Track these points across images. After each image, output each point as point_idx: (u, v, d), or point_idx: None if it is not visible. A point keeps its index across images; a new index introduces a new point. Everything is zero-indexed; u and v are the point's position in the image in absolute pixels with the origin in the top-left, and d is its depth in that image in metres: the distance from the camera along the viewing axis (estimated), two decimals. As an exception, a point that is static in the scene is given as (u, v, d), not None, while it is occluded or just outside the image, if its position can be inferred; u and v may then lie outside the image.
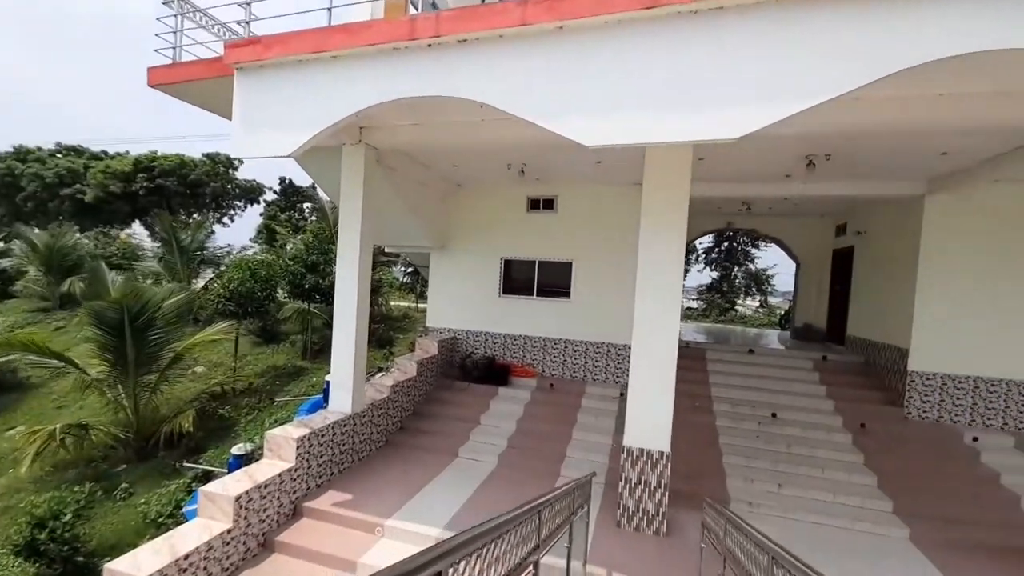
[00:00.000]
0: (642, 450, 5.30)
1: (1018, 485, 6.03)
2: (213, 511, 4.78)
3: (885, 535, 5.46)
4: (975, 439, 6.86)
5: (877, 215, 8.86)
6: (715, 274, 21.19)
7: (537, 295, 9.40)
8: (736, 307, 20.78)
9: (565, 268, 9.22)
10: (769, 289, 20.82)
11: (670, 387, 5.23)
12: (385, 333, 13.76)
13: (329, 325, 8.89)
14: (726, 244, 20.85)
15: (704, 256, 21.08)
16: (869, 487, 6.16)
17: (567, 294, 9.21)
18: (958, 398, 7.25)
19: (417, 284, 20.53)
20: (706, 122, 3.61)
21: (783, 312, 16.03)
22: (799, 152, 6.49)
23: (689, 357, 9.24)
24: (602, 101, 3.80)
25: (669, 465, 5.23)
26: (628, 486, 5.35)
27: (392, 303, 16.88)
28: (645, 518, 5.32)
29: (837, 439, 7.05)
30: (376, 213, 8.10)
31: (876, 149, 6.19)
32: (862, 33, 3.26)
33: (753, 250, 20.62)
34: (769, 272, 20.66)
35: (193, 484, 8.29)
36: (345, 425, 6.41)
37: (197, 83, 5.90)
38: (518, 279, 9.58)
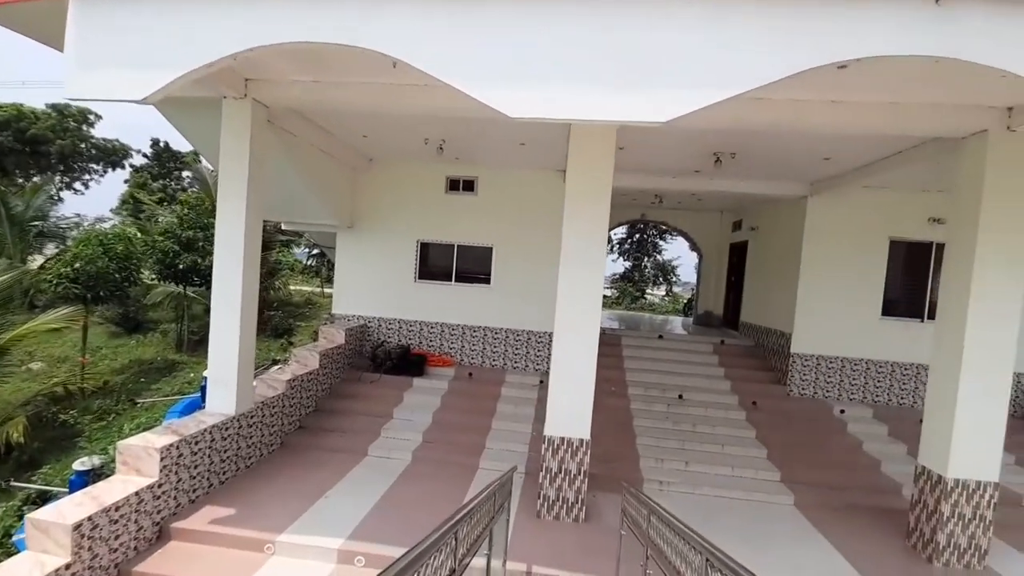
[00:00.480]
0: (563, 439, 5.18)
1: (878, 451, 6.96)
2: (46, 543, 3.75)
3: (776, 503, 5.96)
4: (842, 411, 7.82)
5: (767, 213, 9.71)
6: (627, 264, 22.33)
7: (456, 281, 8.96)
8: (645, 295, 22.13)
9: (485, 253, 8.88)
10: (674, 279, 22.46)
11: (591, 375, 5.15)
12: (283, 321, 12.38)
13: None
14: (638, 236, 22.01)
15: (618, 246, 22.08)
16: (760, 459, 6.71)
17: (487, 280, 8.89)
18: (828, 376, 8.22)
19: (323, 267, 18.90)
20: (636, 103, 3.43)
21: (687, 300, 17.29)
22: (709, 149, 6.77)
23: (606, 344, 9.35)
24: (529, 71, 3.46)
25: (589, 452, 5.17)
26: (548, 476, 5.21)
27: (293, 287, 15.30)
28: (565, 506, 5.23)
29: (733, 416, 7.62)
30: (269, 183, 7.06)
31: (773, 149, 6.63)
32: (786, 30, 3.26)
33: (661, 242, 22.03)
34: (675, 263, 22.29)
35: (24, 508, 6.72)
36: (227, 428, 5.50)
37: (27, 3, 4.51)
38: (436, 264, 9.06)
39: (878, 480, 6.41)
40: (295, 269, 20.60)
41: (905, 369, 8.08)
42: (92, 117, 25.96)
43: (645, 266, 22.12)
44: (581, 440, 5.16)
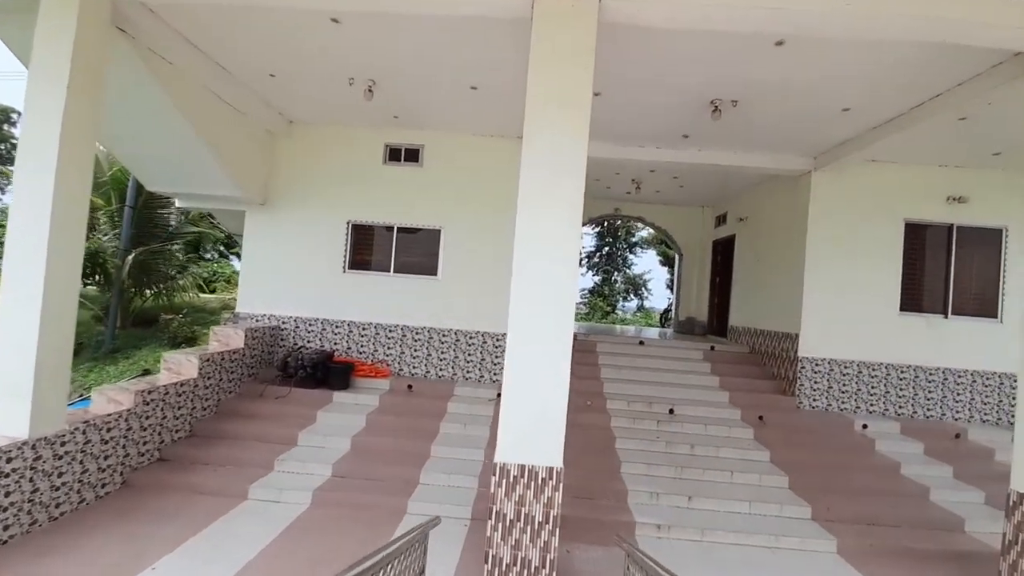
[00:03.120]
0: (523, 468, 3.46)
1: (920, 475, 5.55)
2: None
3: (814, 550, 4.38)
4: (865, 426, 6.43)
5: (759, 199, 8.56)
6: (597, 278, 21.11)
7: (395, 271, 7.23)
8: (616, 311, 20.89)
9: (432, 238, 7.24)
10: (645, 294, 21.39)
11: (564, 380, 3.52)
12: (183, 327, 10.09)
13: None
14: (607, 249, 20.92)
15: (587, 260, 20.89)
16: (781, 490, 5.17)
17: (433, 271, 7.21)
18: (844, 384, 6.87)
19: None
20: None
21: (664, 310, 16.06)
22: (704, 99, 5.48)
23: (579, 350, 7.80)
24: None
25: (561, 487, 3.47)
26: (501, 525, 3.45)
27: (224, 293, 13.06)
28: (526, 572, 3.46)
29: (739, 435, 6.10)
30: (130, 129, 5.30)
31: (782, 98, 5.40)
32: None
33: (631, 256, 20.99)
34: (646, 277, 21.23)
35: None
36: (14, 458, 3.52)
37: None
38: (370, 251, 7.32)
39: (931, 513, 4.96)
40: (232, 281, 18.24)
41: (931, 375, 6.83)
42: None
43: (615, 280, 20.98)
44: (550, 469, 3.47)
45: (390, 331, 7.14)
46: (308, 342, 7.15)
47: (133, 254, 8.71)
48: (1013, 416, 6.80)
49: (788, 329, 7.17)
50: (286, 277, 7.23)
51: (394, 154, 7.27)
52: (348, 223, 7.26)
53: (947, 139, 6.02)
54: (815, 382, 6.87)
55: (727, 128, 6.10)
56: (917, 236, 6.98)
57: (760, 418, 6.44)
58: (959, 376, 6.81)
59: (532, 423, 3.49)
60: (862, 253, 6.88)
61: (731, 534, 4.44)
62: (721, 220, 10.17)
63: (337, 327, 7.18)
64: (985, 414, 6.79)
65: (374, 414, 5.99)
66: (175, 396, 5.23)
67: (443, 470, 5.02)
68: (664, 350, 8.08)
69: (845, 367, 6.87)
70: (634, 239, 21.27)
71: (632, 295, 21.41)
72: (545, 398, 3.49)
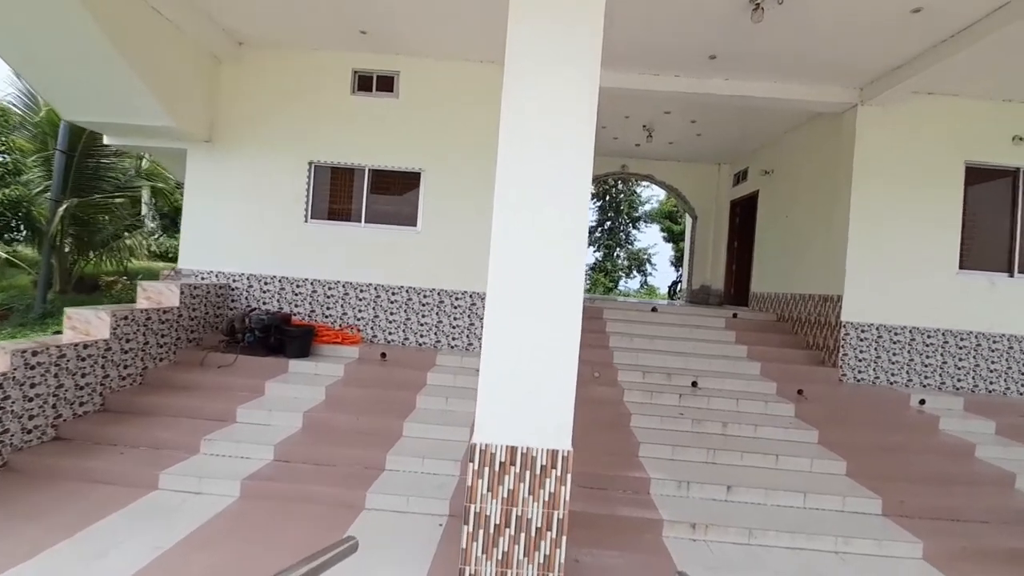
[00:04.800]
0: (513, 451, 2.41)
1: (999, 460, 4.56)
2: None
3: (893, 556, 3.38)
4: (922, 402, 5.44)
5: (790, 148, 7.45)
6: (599, 254, 20.02)
7: (367, 222, 6.11)
8: (618, 287, 19.85)
9: (410, 181, 6.10)
10: (649, 270, 20.33)
11: (574, 322, 2.48)
12: (129, 291, 8.80)
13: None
14: (609, 224, 19.80)
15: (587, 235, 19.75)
16: (840, 478, 4.16)
17: (412, 221, 6.09)
18: (895, 353, 5.87)
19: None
20: None
21: (672, 283, 15.04)
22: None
23: (584, 317, 6.82)
24: None
25: (569, 479, 2.42)
26: (484, 531, 2.41)
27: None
28: (519, 596, 2.43)
29: (778, 411, 5.09)
30: (40, 45, 4.19)
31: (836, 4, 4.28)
32: None
33: (634, 231, 19.89)
34: (650, 252, 20.14)
35: None
36: None
37: None
38: (337, 197, 6.18)
39: (1021, 503, 3.98)
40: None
41: (994, 342, 5.83)
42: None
43: (618, 256, 19.92)
44: (553, 454, 2.41)
45: (361, 291, 6.04)
46: (263, 304, 6.05)
47: (64, 205, 7.52)
48: None
49: (828, 291, 6.13)
50: (237, 228, 6.09)
51: (364, 83, 6.08)
52: (310, 164, 6.10)
53: (1018, 63, 4.93)
54: (860, 351, 5.86)
55: (764, 44, 4.98)
56: (979, 182, 5.91)
57: (799, 392, 5.44)
58: (1028, 344, 5.82)
59: (528, 389, 2.43)
60: (916, 202, 5.82)
61: (785, 535, 3.43)
62: (741, 177, 9.06)
63: (299, 287, 6.07)
64: (1059, 388, 5.82)
65: (336, 386, 4.92)
66: (75, 360, 4.13)
67: (416, 453, 3.97)
68: (681, 317, 7.04)
69: (896, 333, 5.85)
70: (637, 213, 20.16)
71: (635, 271, 20.37)
72: (548, 352, 2.44)
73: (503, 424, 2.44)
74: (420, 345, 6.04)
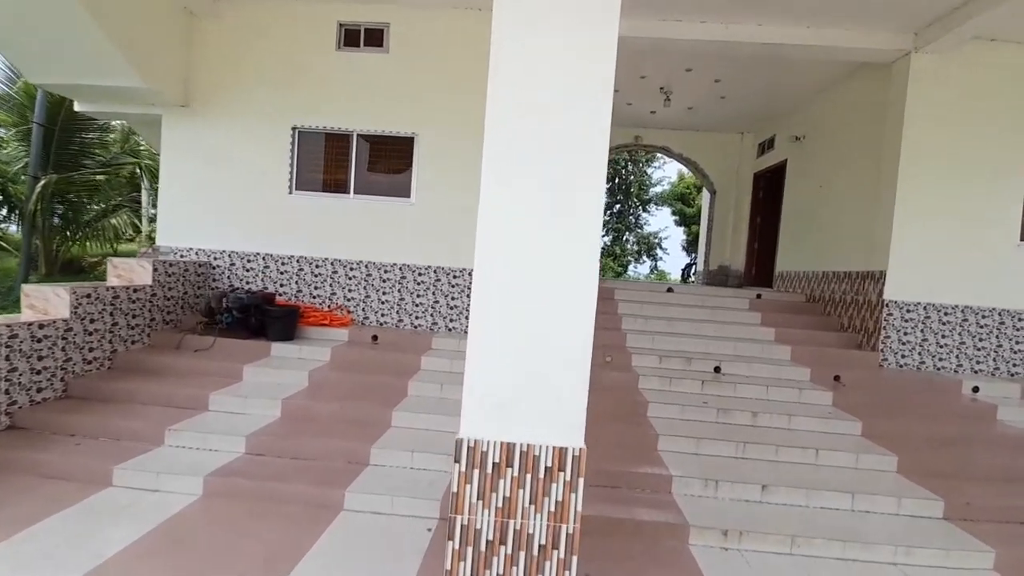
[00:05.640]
0: (511, 448, 1.91)
1: (1073, 451, 3.99)
2: None
3: (961, 567, 2.86)
4: (975, 389, 4.86)
5: (827, 109, 6.75)
6: (607, 238, 19.35)
7: (356, 193, 5.59)
8: (628, 272, 19.23)
9: (403, 148, 5.56)
10: (660, 254, 19.64)
11: (589, 310, 1.97)
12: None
13: None
14: (618, 207, 19.10)
15: (596, 218, 19.08)
16: (891, 475, 3.63)
17: (406, 191, 5.56)
18: (944, 335, 5.26)
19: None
20: None
21: (686, 265, 14.39)
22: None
23: (592, 297, 6.30)
24: None
25: (582, 484, 1.91)
26: (473, 548, 1.92)
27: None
28: (518, 628, 1.95)
29: (813, 400, 4.54)
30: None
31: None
32: None
33: (645, 214, 19.16)
34: (661, 236, 19.43)
35: None
36: None
37: None
38: (323, 166, 5.67)
39: (1112, 509, 3.41)
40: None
41: (1058, 323, 5.20)
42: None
43: (627, 240, 19.23)
44: (562, 453, 1.91)
45: (351, 269, 5.55)
46: (247, 283, 5.59)
47: (43, 181, 7.10)
48: None
49: (869, 267, 5.51)
50: (216, 201, 5.62)
51: (350, 37, 5.51)
52: (294, 130, 5.58)
53: None
54: (905, 333, 5.26)
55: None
56: (1049, 140, 5.21)
57: (836, 379, 4.88)
58: (1097, 325, 5.17)
59: (529, 372, 1.93)
60: (974, 164, 5.15)
61: (836, 544, 2.91)
62: (767, 146, 8.36)
63: (284, 264, 5.60)
64: None
65: (322, 371, 4.46)
66: (30, 342, 3.70)
67: (405, 446, 3.51)
68: (699, 298, 6.46)
69: (946, 313, 5.24)
70: (647, 196, 19.39)
71: (645, 256, 19.68)
72: (556, 327, 1.93)
73: (498, 415, 1.94)
74: (415, 327, 5.56)
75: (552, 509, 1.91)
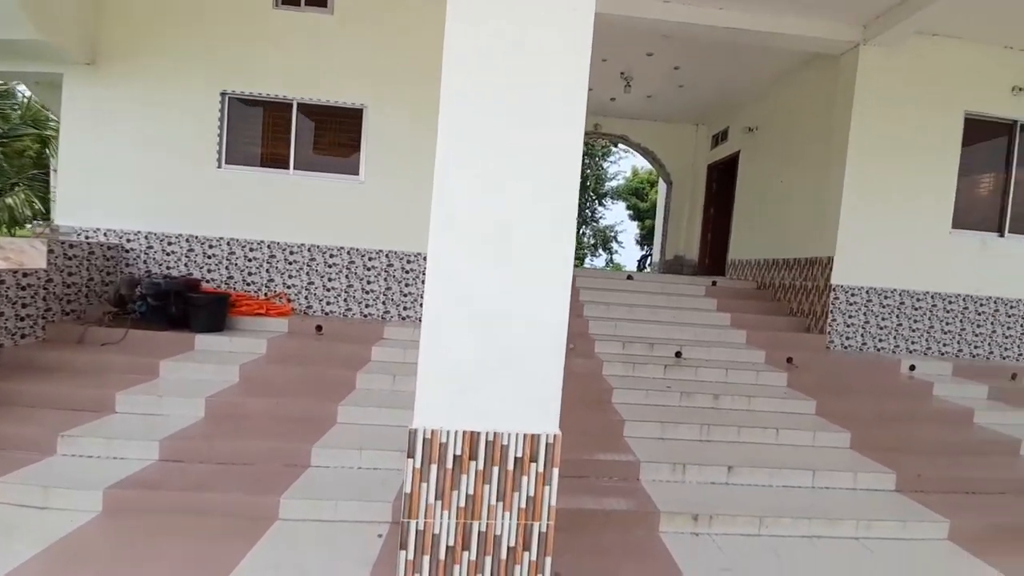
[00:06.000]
0: (475, 438, 1.65)
1: (997, 424, 4.25)
2: None
3: (917, 537, 2.92)
4: (912, 368, 5.11)
5: (780, 100, 6.92)
6: (563, 230, 19.38)
7: (297, 168, 5.08)
8: (584, 265, 19.39)
9: (351, 120, 5.11)
10: (615, 248, 19.95)
11: (565, 281, 1.74)
12: None
13: None
14: (574, 199, 19.17)
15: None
16: (846, 451, 3.70)
17: (354, 168, 5.12)
18: (884, 317, 5.51)
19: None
20: None
21: (641, 257, 14.61)
22: None
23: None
24: None
25: (556, 474, 1.69)
26: (430, 557, 1.65)
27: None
28: (483, 640, 1.70)
29: (770, 381, 4.60)
30: None
31: None
32: None
33: (600, 207, 19.37)
34: (616, 230, 19.72)
35: None
36: None
37: None
38: (260, 137, 5.11)
39: (1038, 475, 3.64)
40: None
41: (981, 305, 5.58)
42: None
43: (584, 233, 19.39)
44: (534, 440, 1.68)
45: (292, 253, 5.05)
46: (167, 268, 4.95)
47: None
48: None
49: (817, 253, 5.68)
50: (130, 175, 4.92)
51: (291, -5, 4.98)
52: (224, 96, 4.98)
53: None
54: (850, 316, 5.46)
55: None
56: (976, 134, 5.56)
57: (789, 360, 4.98)
58: (1011, 307, 5.61)
59: (500, 351, 1.68)
60: (914, 154, 5.39)
61: (802, 522, 2.88)
62: (720, 138, 8.53)
63: (213, 247, 5.00)
64: (1037, 351, 5.66)
65: (255, 365, 3.98)
66: None
67: (352, 443, 3.15)
68: (658, 285, 6.46)
69: (886, 297, 5.49)
70: (604, 190, 19.62)
71: (601, 249, 19.95)
72: (528, 301, 1.69)
73: (460, 400, 1.67)
74: (365, 316, 5.15)
75: (523, 506, 1.67)
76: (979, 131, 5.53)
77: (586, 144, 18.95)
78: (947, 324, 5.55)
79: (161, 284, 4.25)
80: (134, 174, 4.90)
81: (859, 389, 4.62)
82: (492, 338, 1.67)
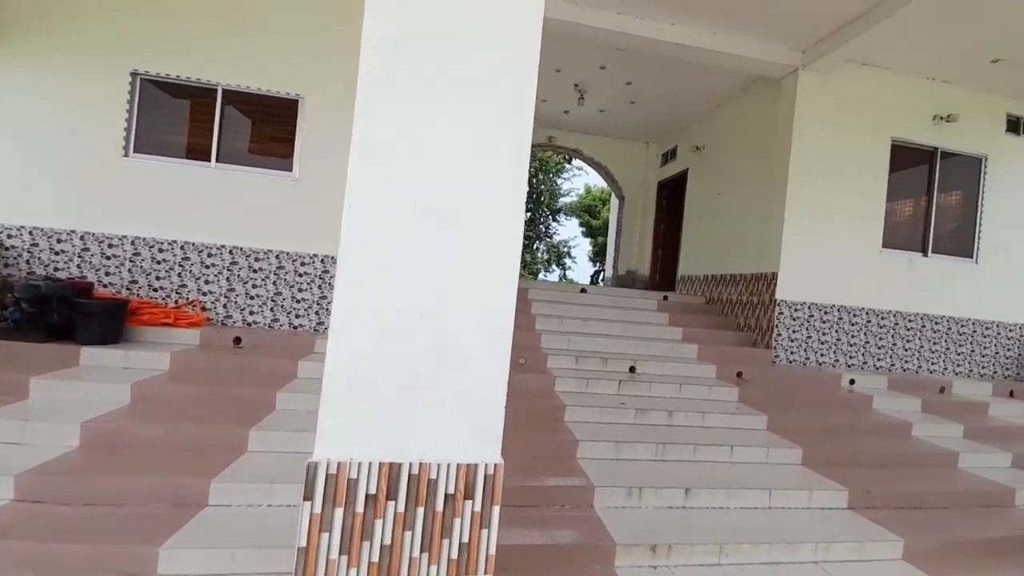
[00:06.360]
0: (395, 471, 1.31)
1: (934, 437, 4.39)
2: None
3: (874, 558, 2.82)
4: (852, 382, 5.24)
5: (726, 120, 7.14)
6: (517, 245, 19.35)
7: (220, 161, 4.55)
8: (538, 280, 19.39)
9: (285, 111, 4.66)
10: (568, 264, 20.11)
11: (511, 283, 1.46)
12: None
13: None
14: (529, 215, 19.22)
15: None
16: (799, 467, 3.63)
17: (287, 164, 4.66)
18: (824, 333, 5.66)
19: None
20: None
21: (594, 272, 14.71)
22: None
23: (504, 296, 5.86)
24: None
25: (496, 512, 1.38)
26: (334, 627, 1.28)
27: None
28: None
29: (722, 396, 4.52)
30: None
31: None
32: None
33: (554, 223, 19.52)
34: (570, 245, 19.91)
35: None
36: None
37: None
38: (176, 125, 4.55)
39: (970, 485, 3.71)
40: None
41: (909, 321, 5.87)
42: None
43: (537, 248, 19.42)
44: (471, 472, 1.35)
45: (209, 256, 4.46)
46: (55, 269, 4.22)
47: None
48: (986, 369, 6.38)
49: (762, 269, 5.79)
50: (13, 160, 4.20)
51: (220, -29, 4.52)
52: (134, 76, 4.39)
53: (946, 34, 4.91)
54: (793, 331, 5.57)
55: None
56: (903, 160, 5.92)
57: (739, 375, 4.96)
58: (936, 323, 5.94)
59: (429, 364, 1.36)
60: (849, 175, 5.65)
61: (762, 548, 2.71)
62: (670, 156, 8.72)
63: (112, 247, 4.33)
64: (958, 365, 6.01)
65: (153, 382, 3.39)
66: None
67: (261, 476, 2.67)
68: (612, 299, 6.36)
69: (826, 312, 5.65)
70: (557, 206, 19.84)
71: (555, 265, 20.03)
72: (464, 304, 1.40)
73: (376, 423, 1.33)
74: (295, 328, 4.63)
75: (454, 556, 1.34)
76: (905, 157, 5.90)
77: (540, 159, 19.14)
78: (880, 339, 5.78)
79: (41, 287, 3.56)
80: (19, 159, 4.18)
81: (805, 403, 4.64)
82: (420, 346, 1.35)
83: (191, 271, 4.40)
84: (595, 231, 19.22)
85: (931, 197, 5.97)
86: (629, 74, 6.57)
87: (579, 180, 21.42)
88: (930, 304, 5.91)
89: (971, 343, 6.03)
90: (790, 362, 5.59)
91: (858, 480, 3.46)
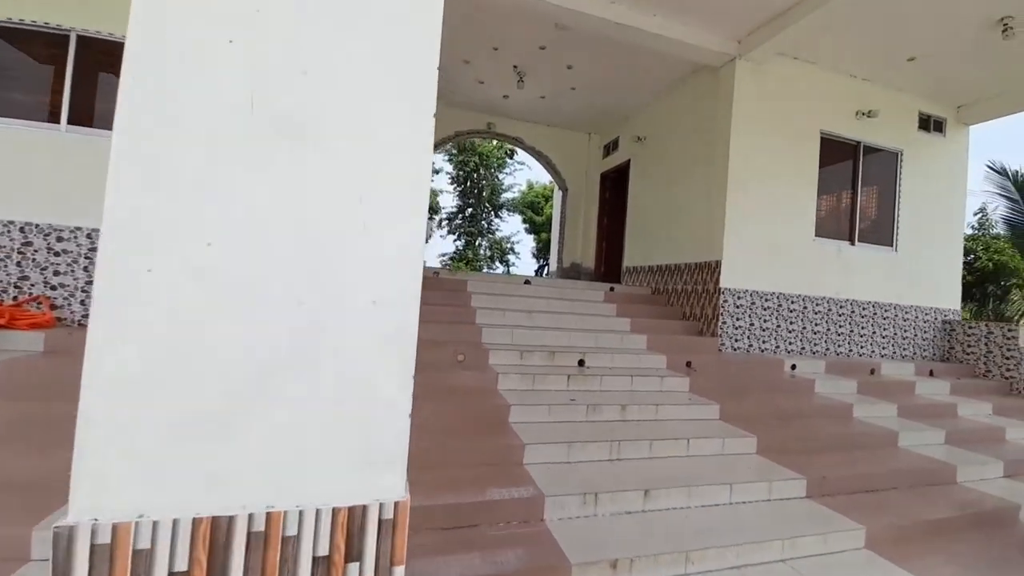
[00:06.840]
0: (229, 526, 0.78)
1: (875, 419, 4.44)
2: None
3: (840, 548, 2.63)
4: (794, 367, 5.27)
5: (666, 110, 7.07)
6: (460, 242, 18.75)
7: (72, 123, 3.66)
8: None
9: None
10: (512, 260, 19.78)
11: (417, 243, 0.95)
12: None
13: None
14: (471, 211, 18.71)
15: (448, 222, 18.35)
16: (754, 457, 3.44)
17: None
18: (765, 320, 5.67)
19: None
20: None
21: (538, 268, 14.45)
22: None
23: (441, 289, 5.37)
24: None
25: (400, 573, 0.89)
26: None
27: None
28: None
29: (673, 387, 4.30)
30: None
31: None
32: None
33: (497, 219, 19.14)
34: (513, 241, 19.59)
35: None
36: None
37: None
38: (14, 81, 3.61)
39: (914, 463, 3.71)
40: None
41: (841, 307, 6.05)
42: None
43: (480, 244, 18.93)
44: (355, 513, 0.85)
45: (60, 240, 3.56)
46: None
47: None
48: (907, 351, 6.75)
49: (707, 257, 5.71)
50: None
51: None
52: (-47, 10, 3.41)
53: (866, 33, 5.08)
54: (737, 319, 5.52)
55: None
56: (831, 152, 6.10)
57: (688, 364, 4.79)
58: (863, 308, 6.17)
59: (287, 342, 0.83)
60: (784, 165, 5.73)
61: (729, 551, 2.42)
62: (612, 147, 8.60)
63: (-79, 229, 3.32)
64: (883, 348, 6.29)
65: (-37, 402, 2.54)
66: None
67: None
68: (557, 290, 6.03)
69: (766, 300, 5.66)
70: (500, 201, 19.47)
71: (498, 261, 19.62)
72: (346, 271, 0.88)
73: (176, 456, 0.80)
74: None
75: (330, 648, 0.84)
76: (833, 149, 6.09)
77: (481, 154, 18.68)
78: (816, 325, 5.90)
79: None
80: None
81: (753, 390, 4.54)
82: (258, 323, 0.84)
83: (35, 260, 3.47)
84: (539, 227, 19.07)
85: (856, 188, 6.21)
86: (570, 57, 6.29)
87: (521, 175, 21.22)
88: (858, 290, 6.13)
89: (893, 326, 6.33)
90: (735, 350, 5.54)
91: (812, 466, 3.31)
